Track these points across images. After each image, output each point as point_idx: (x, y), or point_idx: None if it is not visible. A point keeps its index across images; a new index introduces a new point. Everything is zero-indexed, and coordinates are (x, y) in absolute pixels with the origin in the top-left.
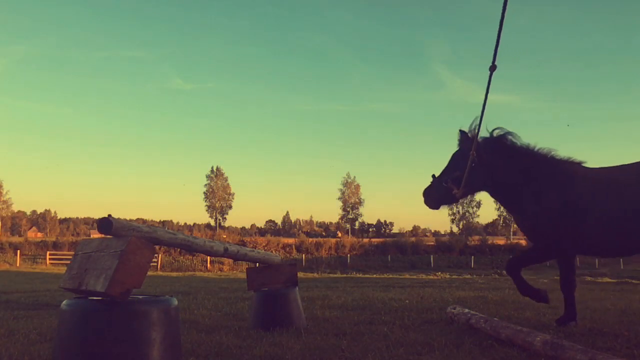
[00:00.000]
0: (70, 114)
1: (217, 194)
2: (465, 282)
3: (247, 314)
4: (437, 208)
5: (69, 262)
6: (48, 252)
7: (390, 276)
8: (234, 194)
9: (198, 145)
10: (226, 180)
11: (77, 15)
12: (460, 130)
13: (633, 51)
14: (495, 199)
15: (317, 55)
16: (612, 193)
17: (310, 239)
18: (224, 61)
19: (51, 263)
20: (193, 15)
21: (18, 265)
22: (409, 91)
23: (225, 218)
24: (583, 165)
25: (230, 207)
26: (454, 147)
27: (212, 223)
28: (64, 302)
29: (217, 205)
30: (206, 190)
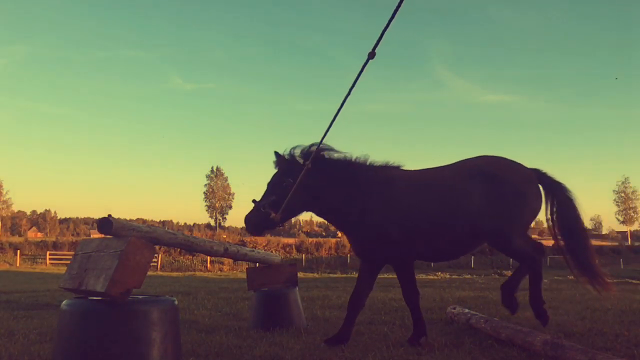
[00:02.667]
0: (70, 114)
1: (217, 194)
2: (465, 282)
3: (247, 314)
4: (261, 234)
5: (69, 262)
6: (48, 252)
7: (391, 276)
8: (234, 194)
9: (198, 145)
10: (226, 180)
11: (77, 15)
12: (275, 152)
13: (633, 50)
14: (324, 219)
15: (317, 55)
16: (430, 194)
17: (310, 239)
18: (224, 61)
19: (51, 263)
20: (193, 15)
21: (18, 265)
22: (409, 91)
23: (225, 218)
24: (401, 168)
25: (230, 207)
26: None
27: (212, 223)
28: (64, 302)
29: (217, 205)
30: (206, 190)
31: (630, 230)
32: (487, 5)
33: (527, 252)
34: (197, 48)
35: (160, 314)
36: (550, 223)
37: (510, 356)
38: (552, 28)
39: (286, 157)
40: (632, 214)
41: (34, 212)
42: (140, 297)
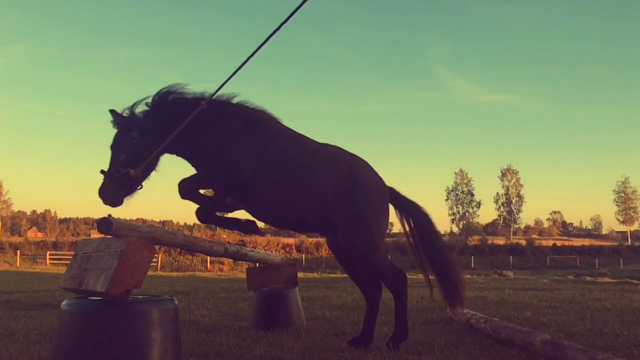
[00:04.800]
0: (70, 114)
1: None
2: (465, 282)
3: (247, 314)
4: (121, 203)
5: (69, 262)
6: (48, 252)
7: None
8: None
9: None
10: None
11: (77, 15)
12: (110, 111)
13: (633, 50)
14: (191, 163)
15: (318, 55)
16: (296, 150)
17: (310, 239)
18: (224, 61)
19: (51, 263)
20: (193, 16)
21: (18, 265)
22: (409, 91)
23: None
24: (275, 118)
25: None
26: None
27: None
28: (64, 302)
29: None
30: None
31: (630, 230)
32: (487, 5)
33: (387, 270)
34: (197, 48)
35: (160, 314)
36: (412, 242)
37: (510, 356)
38: (553, 28)
39: (125, 114)
40: (632, 214)
41: (34, 212)
42: (140, 297)
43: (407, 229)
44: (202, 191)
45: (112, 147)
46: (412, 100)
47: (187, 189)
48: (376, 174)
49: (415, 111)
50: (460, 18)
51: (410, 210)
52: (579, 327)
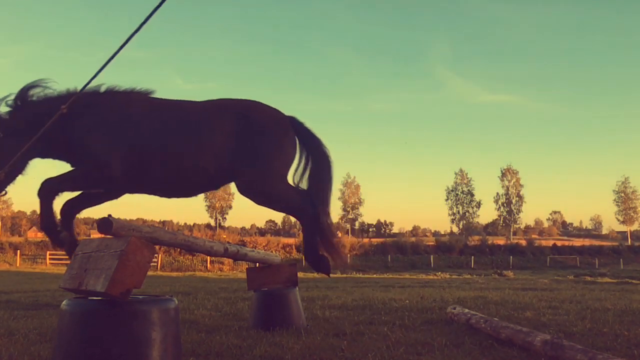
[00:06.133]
0: None
1: (217, 194)
2: (465, 282)
3: (247, 314)
4: None
5: (69, 262)
6: (48, 252)
7: (390, 276)
8: (234, 193)
9: None
10: None
11: (77, 15)
12: None
13: (633, 51)
14: (68, 161)
15: (318, 55)
16: (176, 116)
17: None
18: (224, 61)
19: (51, 263)
20: (193, 15)
21: (18, 265)
22: (409, 91)
23: (225, 218)
24: (148, 94)
25: (230, 207)
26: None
27: (212, 223)
28: (64, 302)
29: (217, 205)
30: None
31: (630, 230)
32: (487, 5)
33: (295, 200)
34: (197, 48)
35: (160, 314)
36: (300, 172)
37: (510, 356)
38: (552, 28)
39: None
40: (632, 214)
41: (34, 212)
42: (140, 297)
43: (303, 159)
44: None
45: None
46: (412, 100)
47: (46, 189)
48: (271, 109)
49: (416, 111)
50: (460, 18)
51: (309, 140)
52: (579, 327)
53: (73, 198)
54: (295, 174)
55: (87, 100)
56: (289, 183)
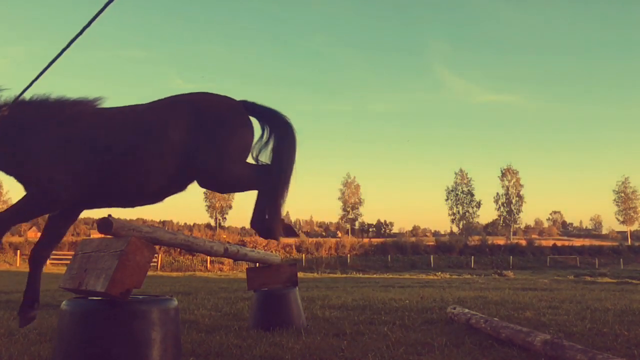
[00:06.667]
0: None
1: (217, 194)
2: (465, 282)
3: (247, 314)
4: None
5: (69, 262)
6: None
7: (390, 276)
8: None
9: None
10: None
11: (77, 15)
12: None
13: (633, 50)
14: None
15: (317, 55)
16: (117, 128)
17: (310, 239)
18: (224, 61)
19: (51, 263)
20: (193, 15)
21: (18, 265)
22: (408, 91)
23: (225, 218)
24: (96, 104)
25: (230, 207)
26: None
27: (212, 223)
28: (64, 302)
29: (217, 205)
30: (206, 190)
31: (630, 230)
32: (487, 5)
33: (252, 176)
34: (197, 48)
35: (160, 314)
36: (259, 149)
37: (510, 356)
38: (552, 27)
39: None
40: (632, 214)
41: None
42: (140, 297)
43: (266, 135)
44: None
45: None
46: (412, 99)
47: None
48: (221, 97)
49: (415, 111)
50: (460, 18)
51: (270, 117)
52: (579, 327)
53: (37, 243)
54: (256, 150)
55: (32, 112)
56: (247, 163)
